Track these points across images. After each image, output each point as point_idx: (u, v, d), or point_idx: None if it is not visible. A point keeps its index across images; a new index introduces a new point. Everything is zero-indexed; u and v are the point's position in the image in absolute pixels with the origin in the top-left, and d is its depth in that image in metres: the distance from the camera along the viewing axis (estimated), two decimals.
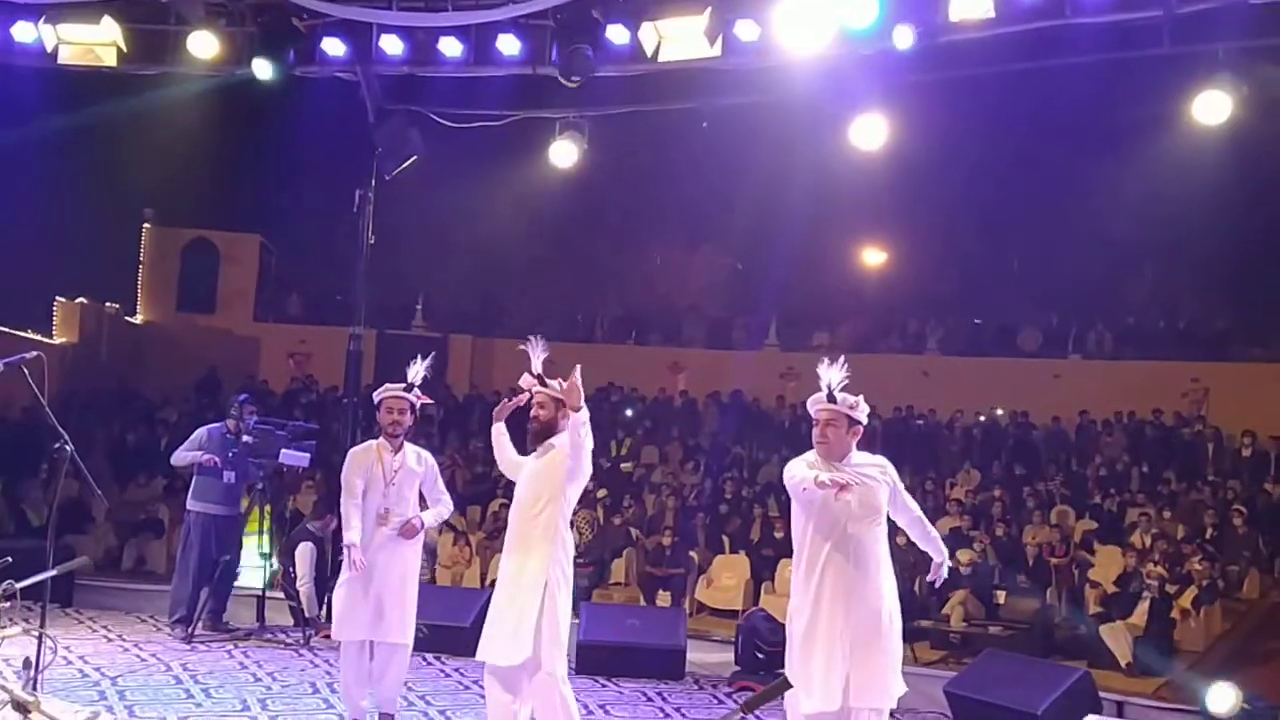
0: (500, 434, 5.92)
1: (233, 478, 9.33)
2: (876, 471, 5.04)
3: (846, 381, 5.00)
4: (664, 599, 12.80)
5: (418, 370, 6.48)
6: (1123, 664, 10.77)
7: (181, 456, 9.36)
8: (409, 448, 6.58)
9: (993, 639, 10.71)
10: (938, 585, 5.46)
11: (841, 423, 5.01)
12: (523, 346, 5.71)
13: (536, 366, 5.66)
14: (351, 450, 6.64)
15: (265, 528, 9.68)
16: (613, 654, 8.54)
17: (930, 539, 5.33)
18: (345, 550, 6.29)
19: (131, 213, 22.57)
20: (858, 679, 4.70)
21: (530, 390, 5.68)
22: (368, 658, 6.35)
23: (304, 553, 9.77)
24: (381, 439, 6.51)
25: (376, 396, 6.54)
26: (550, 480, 5.55)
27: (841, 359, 5.05)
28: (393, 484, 6.41)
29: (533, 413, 5.69)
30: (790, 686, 2.84)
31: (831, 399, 4.99)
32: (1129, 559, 12.26)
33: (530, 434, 5.69)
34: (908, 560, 11.96)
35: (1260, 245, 18.81)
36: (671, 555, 13.19)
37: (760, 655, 8.42)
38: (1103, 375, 19.98)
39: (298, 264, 23.68)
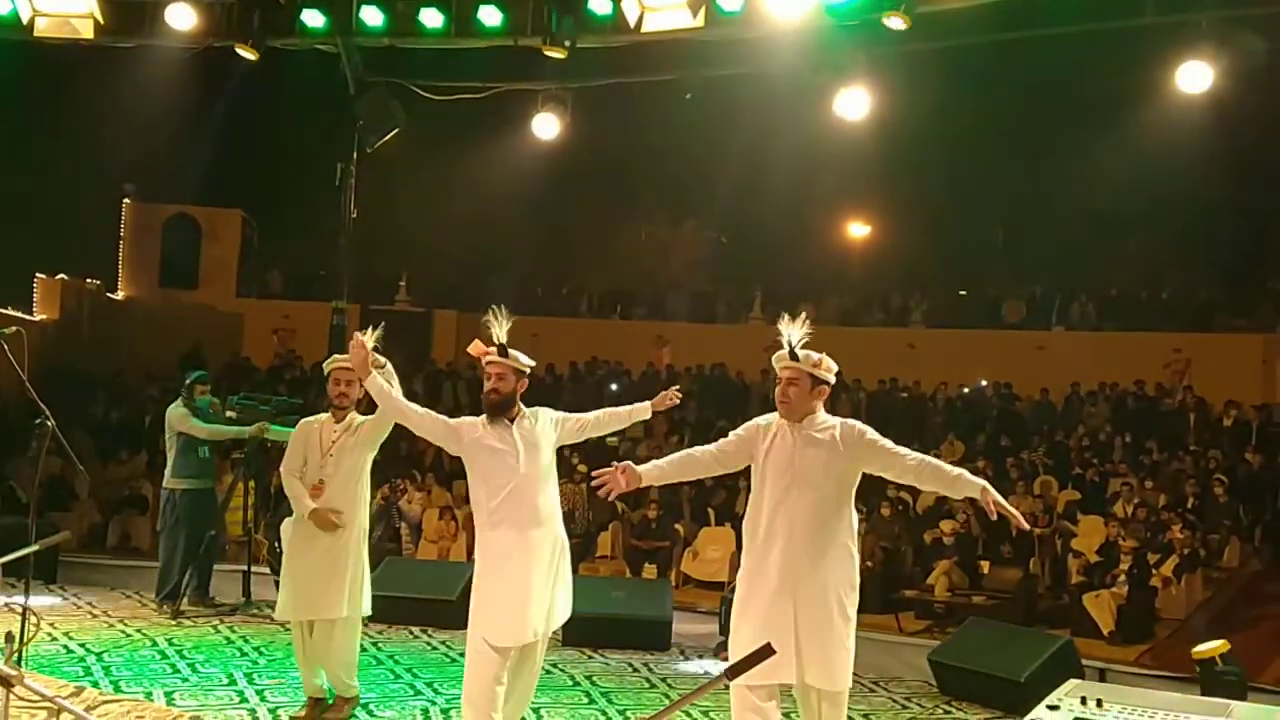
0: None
1: (206, 452, 9.33)
2: (828, 435, 4.69)
3: (808, 339, 4.76)
4: (650, 572, 12.85)
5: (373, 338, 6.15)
6: (1105, 632, 10.87)
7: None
8: (354, 417, 6.34)
9: (976, 609, 10.79)
10: (994, 518, 4.82)
11: (804, 381, 4.73)
12: (486, 319, 5.39)
13: (500, 337, 5.34)
14: (300, 422, 6.49)
15: (250, 503, 9.65)
16: (599, 626, 8.56)
17: (948, 479, 4.75)
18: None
19: (111, 188, 22.41)
20: (804, 650, 4.55)
21: (483, 359, 5.38)
22: (308, 636, 6.22)
23: (288, 528, 9.74)
24: (330, 412, 6.35)
25: (326, 368, 6.40)
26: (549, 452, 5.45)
27: (804, 316, 4.80)
28: (330, 455, 6.22)
29: (491, 385, 5.36)
30: (774, 653, 2.86)
31: (794, 356, 4.72)
32: (1111, 529, 12.35)
33: (489, 406, 5.35)
34: (891, 530, 12.09)
35: (1242, 216, 18.90)
36: (657, 528, 13.23)
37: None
38: (1086, 347, 20.07)
39: (280, 239, 23.57)
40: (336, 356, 6.39)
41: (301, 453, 6.30)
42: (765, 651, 2.87)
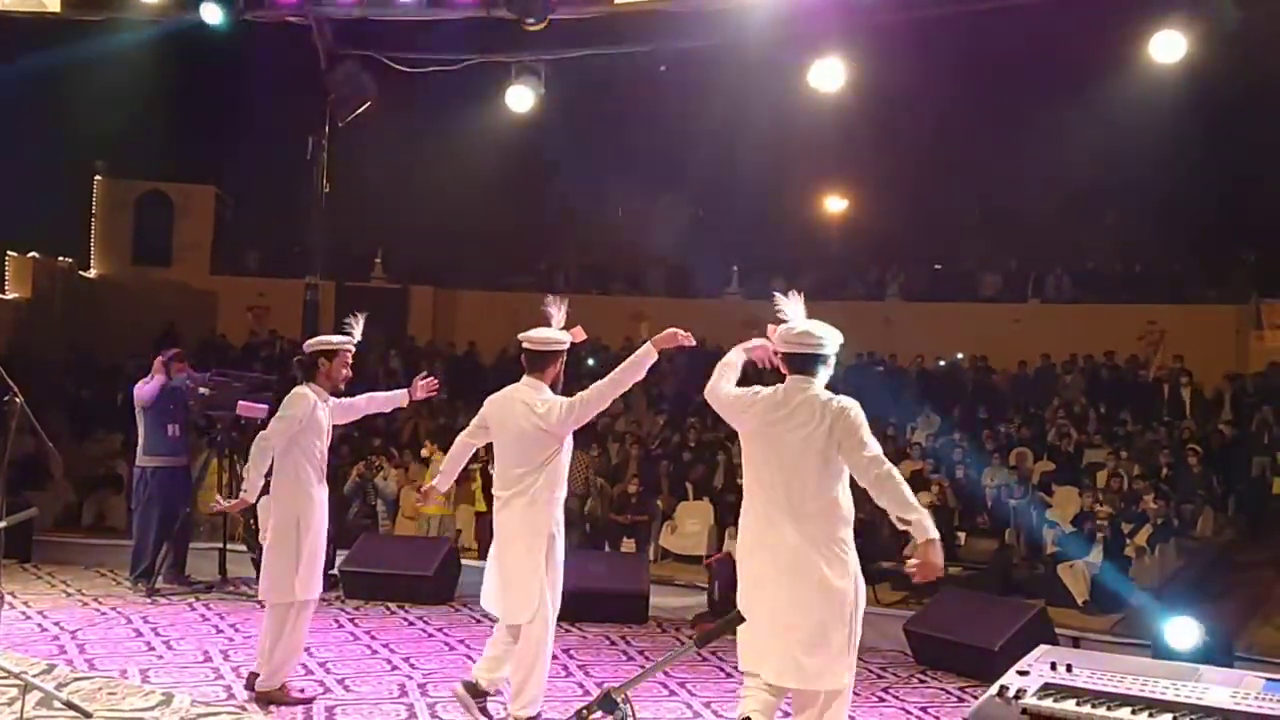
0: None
1: (177, 430, 9.27)
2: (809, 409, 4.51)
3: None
4: (628, 546, 12.87)
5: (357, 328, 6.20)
6: (1079, 602, 10.96)
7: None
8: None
9: (952, 579, 10.85)
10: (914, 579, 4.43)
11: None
12: (544, 306, 5.72)
13: (561, 321, 5.66)
14: (303, 392, 6.08)
15: (225, 481, 9.60)
16: (576, 599, 8.54)
17: (903, 504, 4.34)
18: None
19: (82, 165, 22.19)
20: (770, 648, 4.38)
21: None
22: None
23: (266, 506, 9.70)
24: (319, 389, 6.11)
25: (335, 345, 6.13)
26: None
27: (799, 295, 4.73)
28: (326, 435, 6.18)
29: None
30: (744, 620, 2.85)
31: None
32: (1086, 499, 12.44)
33: (566, 383, 5.70)
34: (867, 503, 12.15)
35: (1215, 188, 18.97)
36: (636, 502, 13.24)
37: (730, 598, 8.48)
38: (1061, 319, 20.17)
39: (254, 216, 23.38)
40: (346, 339, 6.19)
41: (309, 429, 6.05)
42: (735, 620, 2.86)
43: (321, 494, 6.14)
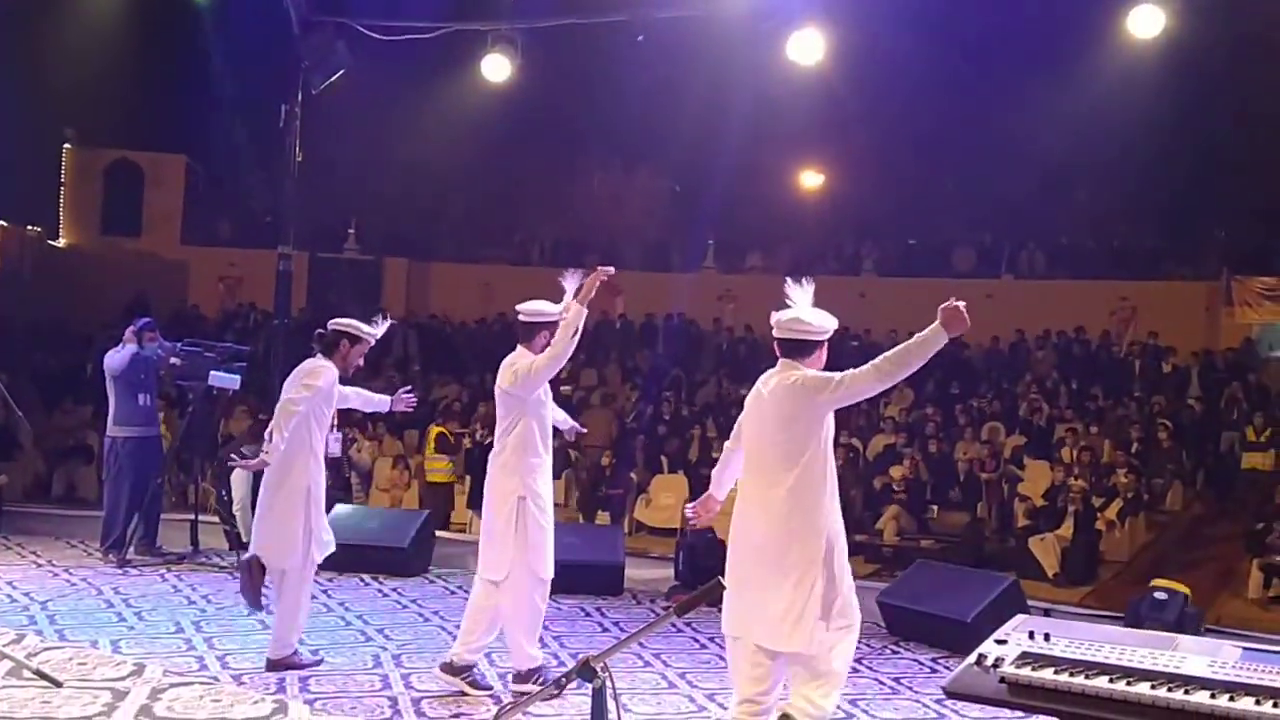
0: None
1: (148, 399, 9.19)
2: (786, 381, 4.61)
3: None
4: (603, 519, 12.89)
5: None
6: (1050, 574, 11.07)
7: None
8: None
9: (924, 552, 10.94)
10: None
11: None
12: (560, 278, 5.79)
13: (571, 293, 5.73)
14: (328, 365, 6.16)
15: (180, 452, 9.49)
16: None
17: (898, 357, 4.47)
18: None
19: (51, 133, 21.90)
20: (741, 605, 4.50)
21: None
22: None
23: (238, 476, 9.66)
24: (338, 367, 6.20)
25: (361, 332, 6.27)
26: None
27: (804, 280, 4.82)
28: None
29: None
30: (724, 589, 2.85)
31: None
32: (1057, 473, 12.55)
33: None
34: (841, 476, 12.19)
35: (1189, 165, 19.07)
36: (611, 476, 13.26)
37: (699, 570, 8.50)
38: (1035, 294, 20.27)
39: (226, 185, 23.16)
40: (370, 329, 6.32)
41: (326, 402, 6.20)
42: (715, 588, 2.86)
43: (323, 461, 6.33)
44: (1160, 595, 6.76)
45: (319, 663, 6.23)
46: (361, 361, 6.37)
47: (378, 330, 6.39)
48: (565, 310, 5.73)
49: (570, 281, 5.78)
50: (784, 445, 4.56)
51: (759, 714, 4.50)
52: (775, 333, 4.76)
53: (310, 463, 6.09)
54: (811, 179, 24.01)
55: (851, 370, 4.52)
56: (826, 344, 4.76)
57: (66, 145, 22.34)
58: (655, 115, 18.34)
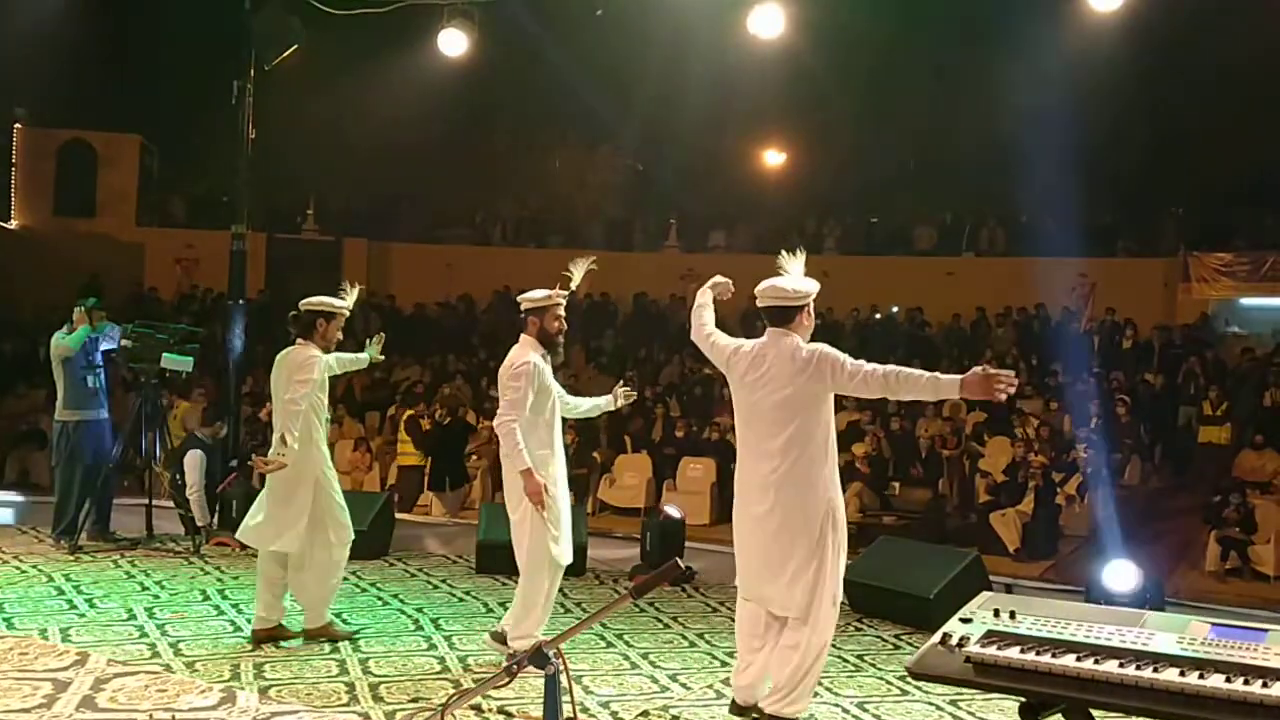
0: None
1: (97, 382, 8.99)
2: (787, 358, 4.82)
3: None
4: (569, 499, 12.81)
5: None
6: (1011, 550, 11.13)
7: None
8: None
9: (887, 529, 10.95)
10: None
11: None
12: (575, 263, 6.11)
13: (578, 279, 6.05)
14: (315, 353, 6.23)
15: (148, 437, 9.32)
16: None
17: (909, 382, 4.64)
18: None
19: (1, 113, 21.43)
20: (761, 580, 4.86)
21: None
22: (278, 569, 6.31)
23: (193, 461, 9.51)
24: (319, 347, 6.28)
25: (334, 308, 6.35)
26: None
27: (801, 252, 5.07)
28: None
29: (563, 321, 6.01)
30: (680, 570, 2.79)
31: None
32: (1017, 449, 12.59)
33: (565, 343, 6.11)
34: None
35: (1146, 141, 19.17)
36: (574, 455, 13.16)
37: (664, 549, 8.44)
38: (994, 272, 20.34)
39: (181, 165, 22.77)
40: (340, 302, 6.41)
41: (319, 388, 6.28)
42: (672, 569, 2.79)
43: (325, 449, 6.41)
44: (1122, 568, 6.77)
45: (351, 635, 6.40)
46: (340, 335, 6.42)
47: (348, 301, 6.46)
48: (559, 294, 6.00)
49: (577, 268, 6.08)
50: (789, 417, 4.76)
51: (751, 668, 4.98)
52: (758, 303, 4.95)
53: (314, 453, 6.20)
54: (773, 158, 23.93)
55: (868, 368, 4.68)
56: (810, 308, 4.95)
57: (18, 125, 21.88)
58: (616, 91, 18.17)
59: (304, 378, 6.08)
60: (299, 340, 6.27)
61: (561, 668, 2.62)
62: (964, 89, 18.74)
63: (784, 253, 5.08)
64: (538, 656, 2.61)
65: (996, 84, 17.62)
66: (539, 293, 5.98)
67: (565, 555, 5.97)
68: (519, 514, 5.87)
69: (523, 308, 6.00)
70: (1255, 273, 18.81)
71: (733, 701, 5.19)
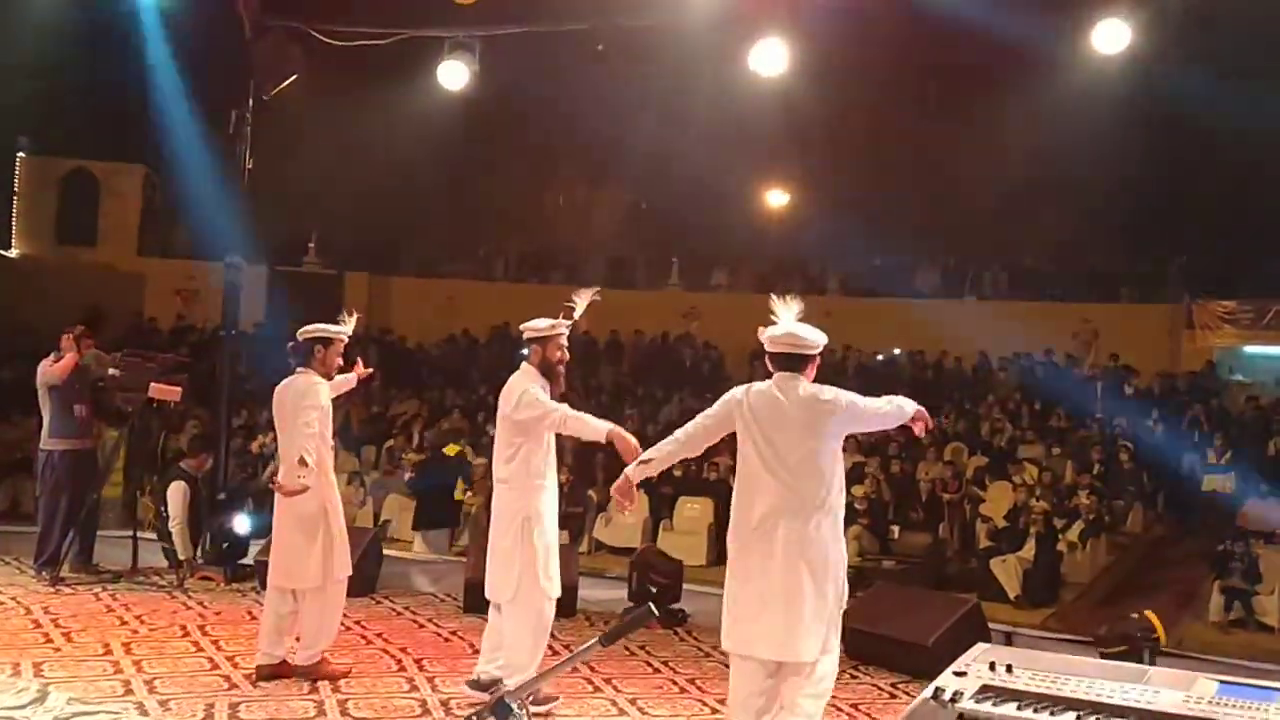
0: None
1: (84, 411, 8.87)
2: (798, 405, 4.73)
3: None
4: (562, 537, 12.62)
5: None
6: (1011, 596, 10.93)
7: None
8: None
9: (886, 573, 10.77)
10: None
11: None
12: (579, 295, 6.03)
13: (579, 311, 6.00)
14: (319, 380, 6.25)
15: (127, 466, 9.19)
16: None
17: (899, 409, 4.86)
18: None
19: (4, 142, 21.46)
20: (759, 629, 4.56)
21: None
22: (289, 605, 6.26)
23: (176, 492, 9.33)
24: (319, 375, 6.27)
25: (332, 334, 6.33)
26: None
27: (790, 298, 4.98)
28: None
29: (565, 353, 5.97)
30: (653, 616, 2.65)
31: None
32: (1019, 494, 12.42)
33: (566, 373, 6.04)
34: None
35: (1151, 188, 19.11)
36: (570, 493, 13.00)
37: (653, 590, 8.28)
38: (997, 316, 20.23)
39: (184, 196, 22.74)
40: (339, 328, 6.37)
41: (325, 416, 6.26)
42: (644, 616, 2.65)
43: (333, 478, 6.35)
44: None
45: (348, 674, 6.28)
46: (340, 361, 6.40)
47: (347, 328, 6.43)
48: (561, 325, 5.93)
49: (580, 300, 5.99)
50: (805, 459, 4.67)
51: None
52: (769, 347, 4.85)
53: (323, 482, 6.15)
54: (776, 197, 23.92)
55: (872, 403, 4.83)
56: (818, 358, 4.92)
57: (20, 154, 21.90)
58: (618, 127, 18.16)
59: (313, 404, 6.09)
60: (299, 369, 6.25)
61: (525, 717, 2.47)
62: (969, 132, 18.72)
63: (774, 297, 4.98)
64: (500, 708, 2.45)
65: (1002, 128, 17.61)
66: (542, 321, 5.94)
67: (554, 588, 5.83)
68: (509, 539, 5.72)
69: (525, 336, 5.96)
70: (1259, 320, 18.72)
71: None
